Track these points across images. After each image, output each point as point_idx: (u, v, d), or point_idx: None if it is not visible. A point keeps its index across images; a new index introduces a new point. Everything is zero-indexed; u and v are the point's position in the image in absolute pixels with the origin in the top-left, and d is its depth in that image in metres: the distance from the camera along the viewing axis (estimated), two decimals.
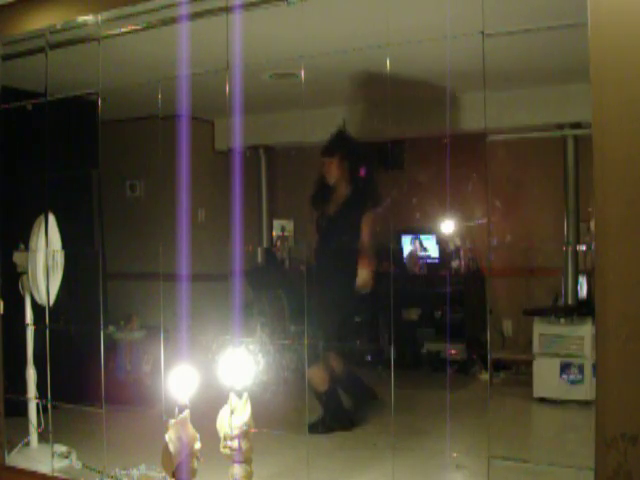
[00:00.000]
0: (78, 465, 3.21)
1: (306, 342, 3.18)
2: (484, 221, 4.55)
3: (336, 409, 3.80)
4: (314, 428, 3.54)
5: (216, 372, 2.61)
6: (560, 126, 4.58)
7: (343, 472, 3.13)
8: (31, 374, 3.35)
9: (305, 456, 2.80)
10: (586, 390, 3.96)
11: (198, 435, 2.50)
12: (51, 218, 3.38)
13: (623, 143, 1.98)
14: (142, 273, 4.60)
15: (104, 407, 3.13)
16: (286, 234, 5.76)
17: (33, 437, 3.35)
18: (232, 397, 2.51)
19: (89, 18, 2.98)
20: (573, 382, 4.07)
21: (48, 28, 3.09)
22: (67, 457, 3.26)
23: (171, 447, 2.43)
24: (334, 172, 3.89)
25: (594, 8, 2.00)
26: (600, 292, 2.02)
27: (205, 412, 2.55)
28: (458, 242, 5.15)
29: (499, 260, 4.87)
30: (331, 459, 3.25)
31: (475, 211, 4.86)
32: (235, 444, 2.45)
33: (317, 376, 3.77)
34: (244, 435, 2.46)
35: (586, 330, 4.10)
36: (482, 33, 2.35)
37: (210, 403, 2.57)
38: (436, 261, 5.36)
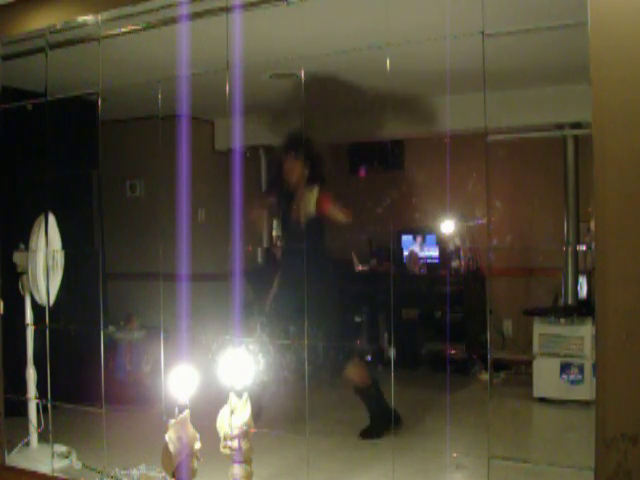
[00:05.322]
0: (78, 465, 3.21)
1: (306, 342, 3.18)
2: (484, 221, 4.55)
3: (379, 403, 3.67)
4: (367, 434, 3.57)
5: (216, 372, 2.61)
6: (560, 126, 4.58)
7: (343, 472, 3.13)
8: (31, 374, 3.35)
9: (305, 456, 2.81)
10: (586, 390, 3.96)
11: (198, 435, 2.50)
12: (51, 218, 3.38)
13: (623, 143, 1.98)
14: (142, 273, 4.60)
15: (104, 407, 3.13)
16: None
17: (33, 437, 3.35)
18: (232, 397, 2.51)
19: (89, 18, 2.98)
20: (573, 382, 4.07)
21: (48, 28, 3.09)
22: (67, 457, 3.26)
23: (171, 447, 2.43)
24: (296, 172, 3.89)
25: (594, 8, 2.00)
26: (600, 292, 2.02)
27: (205, 412, 2.55)
28: (458, 242, 5.15)
29: (499, 260, 4.88)
30: (331, 459, 3.25)
31: (475, 211, 4.86)
32: (235, 444, 2.45)
33: (357, 374, 3.73)
34: (244, 435, 2.46)
35: (586, 330, 4.10)
36: (482, 33, 2.35)
37: (210, 403, 2.57)
38: (436, 261, 5.36)
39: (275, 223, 4.54)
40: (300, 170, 3.87)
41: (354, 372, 3.74)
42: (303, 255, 3.52)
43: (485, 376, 4.69)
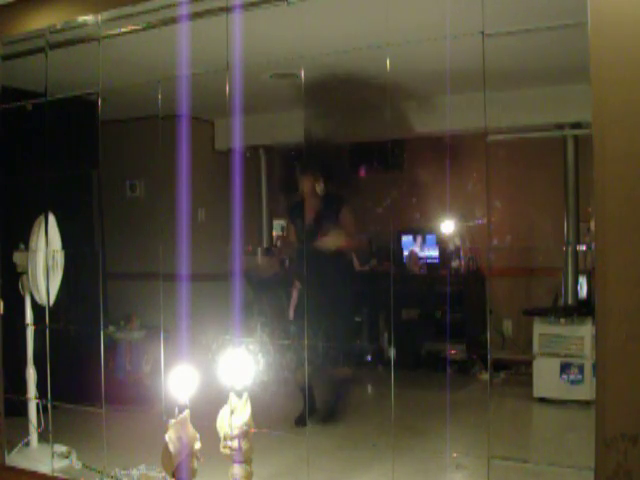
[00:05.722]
0: (78, 465, 3.21)
1: (306, 342, 3.18)
2: (484, 221, 4.55)
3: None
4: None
5: (216, 372, 2.61)
6: (560, 126, 4.58)
7: (343, 472, 3.13)
8: (31, 374, 3.35)
9: (305, 456, 2.80)
10: (586, 390, 3.96)
11: (198, 435, 2.50)
12: (51, 218, 3.38)
13: (623, 143, 1.98)
14: (142, 273, 4.59)
15: (104, 407, 3.13)
16: (286, 234, 5.76)
17: (33, 437, 3.35)
18: (232, 397, 2.51)
19: (89, 18, 2.99)
20: (573, 382, 4.07)
21: (48, 28, 3.09)
22: (67, 457, 3.26)
23: (171, 447, 2.43)
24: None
25: (594, 8, 2.00)
26: (600, 292, 2.02)
27: (205, 412, 2.54)
28: (458, 242, 5.15)
29: (499, 260, 4.88)
30: (331, 459, 3.25)
31: (475, 211, 4.86)
32: (235, 444, 2.45)
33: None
34: (244, 435, 2.46)
35: (586, 330, 4.10)
36: (482, 33, 2.36)
37: (210, 403, 2.57)
38: (436, 261, 5.36)
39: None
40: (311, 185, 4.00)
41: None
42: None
43: (485, 376, 4.69)
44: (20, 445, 3.32)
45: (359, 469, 3.14)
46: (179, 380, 2.52)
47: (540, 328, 4.31)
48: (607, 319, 2.00)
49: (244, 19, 2.76)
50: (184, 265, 3.96)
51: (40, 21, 3.09)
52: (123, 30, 3.04)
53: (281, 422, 3.71)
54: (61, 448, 3.29)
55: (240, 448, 2.45)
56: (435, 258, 5.37)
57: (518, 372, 4.71)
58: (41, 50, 3.16)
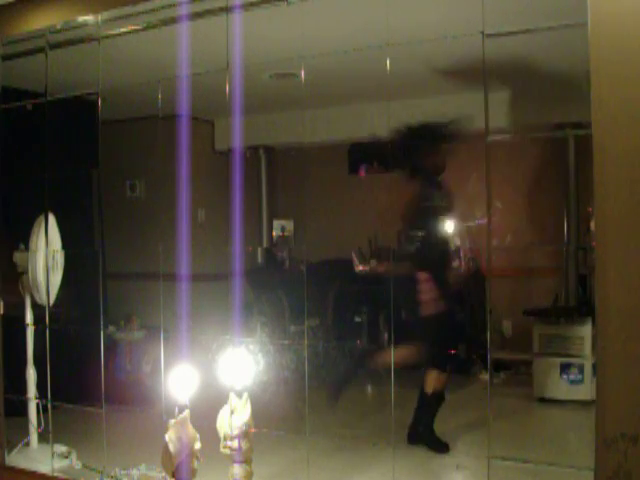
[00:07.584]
0: (78, 465, 3.21)
1: (306, 342, 3.18)
2: (484, 221, 4.54)
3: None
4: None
5: (216, 372, 2.61)
6: (560, 126, 4.57)
7: (343, 472, 3.13)
8: (31, 374, 3.35)
9: (305, 456, 2.80)
10: (586, 390, 3.96)
11: (198, 435, 2.50)
12: (51, 218, 3.38)
13: (623, 142, 1.99)
14: (142, 273, 4.60)
15: (104, 407, 3.13)
16: (286, 234, 5.76)
17: (33, 437, 3.35)
18: (232, 397, 2.51)
19: (89, 18, 2.99)
20: (573, 382, 4.07)
21: (48, 28, 3.09)
22: (67, 457, 3.26)
23: (171, 447, 2.43)
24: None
25: (594, 8, 2.00)
26: (600, 292, 2.02)
27: (205, 412, 2.55)
28: (458, 242, 5.14)
29: (499, 260, 4.87)
30: (331, 459, 3.25)
31: (475, 211, 4.86)
32: (235, 444, 2.45)
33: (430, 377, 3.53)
34: (244, 435, 2.46)
35: (586, 330, 4.10)
36: (482, 33, 2.36)
37: (210, 403, 2.57)
38: None
39: None
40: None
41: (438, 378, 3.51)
42: None
43: (485, 376, 4.69)
44: (20, 445, 3.32)
45: (359, 469, 3.14)
46: (179, 380, 2.52)
47: (540, 328, 4.31)
48: (607, 319, 2.00)
49: (244, 19, 2.76)
50: (184, 265, 3.96)
51: (40, 21, 3.09)
52: (123, 30, 3.04)
53: (281, 422, 3.71)
54: (61, 448, 3.29)
55: (240, 448, 2.45)
56: None
57: (518, 372, 4.71)
58: (41, 50, 3.16)
